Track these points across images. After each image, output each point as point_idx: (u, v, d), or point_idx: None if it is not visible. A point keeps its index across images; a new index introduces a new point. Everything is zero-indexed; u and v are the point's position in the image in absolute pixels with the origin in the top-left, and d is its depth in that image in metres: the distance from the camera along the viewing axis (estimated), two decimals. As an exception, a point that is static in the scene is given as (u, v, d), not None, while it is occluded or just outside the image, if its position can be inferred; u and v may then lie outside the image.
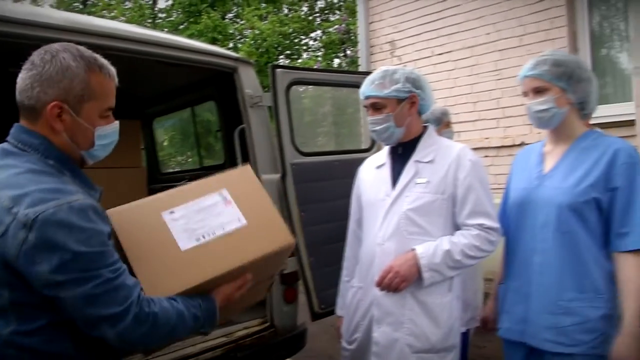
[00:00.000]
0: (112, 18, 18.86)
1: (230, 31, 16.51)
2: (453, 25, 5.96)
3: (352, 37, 12.61)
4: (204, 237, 1.65)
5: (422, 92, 2.29)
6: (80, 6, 21.27)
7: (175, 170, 6.05)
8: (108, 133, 1.52)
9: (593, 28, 5.18)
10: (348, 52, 13.78)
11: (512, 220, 2.18)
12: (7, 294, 1.31)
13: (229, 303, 1.66)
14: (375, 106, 2.27)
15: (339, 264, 2.67)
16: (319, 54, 15.86)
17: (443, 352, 2.22)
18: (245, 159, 3.23)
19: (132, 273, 1.46)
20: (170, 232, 1.63)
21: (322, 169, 3.38)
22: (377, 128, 2.28)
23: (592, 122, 2.18)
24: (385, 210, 2.28)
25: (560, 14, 5.14)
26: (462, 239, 2.15)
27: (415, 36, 6.33)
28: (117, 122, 1.56)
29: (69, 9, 20.79)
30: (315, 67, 12.64)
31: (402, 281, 2.13)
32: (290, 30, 15.37)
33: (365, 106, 2.33)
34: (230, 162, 4.09)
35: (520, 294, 2.08)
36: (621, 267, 1.89)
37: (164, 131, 6.86)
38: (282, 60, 15.71)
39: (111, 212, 1.56)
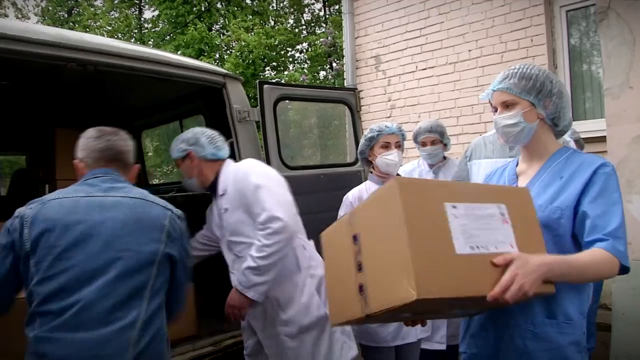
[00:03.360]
0: (98, 28, 18.87)
1: (217, 42, 16.58)
2: (436, 41, 6.10)
3: (338, 50, 12.75)
4: (477, 247, 1.51)
5: (194, 147, 2.73)
6: (65, 15, 21.22)
7: (163, 182, 6.09)
8: None
9: (572, 45, 5.34)
10: (334, 64, 13.92)
11: None
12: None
13: None
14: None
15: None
16: (305, 66, 16.00)
17: (314, 329, 2.57)
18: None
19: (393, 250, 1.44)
20: (449, 227, 1.49)
21: (308, 182, 3.46)
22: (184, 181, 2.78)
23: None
24: (221, 242, 2.76)
25: (540, 32, 5.30)
26: (253, 248, 2.47)
27: (399, 51, 6.45)
28: None
29: (54, 17, 20.74)
30: (301, 79, 12.76)
31: (237, 313, 2.54)
32: (277, 42, 15.49)
33: None
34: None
35: (488, 317, 1.93)
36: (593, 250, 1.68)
37: (151, 143, 6.90)
38: (268, 72, 15.81)
39: (400, 180, 1.49)
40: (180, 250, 2.03)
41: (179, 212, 2.09)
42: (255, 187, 2.50)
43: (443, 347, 3.41)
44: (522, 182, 1.96)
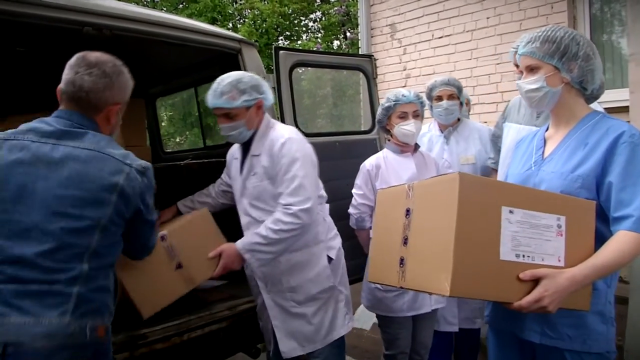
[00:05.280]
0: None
1: (230, 11, 16.39)
2: (453, 8, 5.99)
3: (352, 19, 12.57)
4: (523, 256, 1.55)
5: (264, 95, 2.54)
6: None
7: (177, 149, 6.11)
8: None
9: (593, 13, 5.22)
10: (348, 34, 13.74)
11: None
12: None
13: None
14: (228, 116, 2.50)
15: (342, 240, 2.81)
16: (319, 35, 15.81)
17: (321, 299, 2.60)
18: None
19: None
20: (500, 231, 1.52)
21: (324, 149, 3.44)
22: (232, 133, 2.53)
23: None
24: (238, 200, 2.67)
25: (561, -1, 5.18)
26: (270, 218, 2.45)
27: (415, 19, 6.36)
28: None
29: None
30: (315, 48, 12.62)
31: (227, 269, 2.53)
32: (290, 11, 15.28)
33: (215, 114, 2.56)
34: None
35: None
36: (617, 237, 1.66)
37: (165, 111, 6.90)
38: (282, 42, 15.65)
39: (462, 176, 1.50)
40: (139, 207, 1.84)
41: (140, 165, 1.84)
42: (289, 164, 2.43)
43: (455, 328, 3.30)
44: (550, 147, 1.94)
